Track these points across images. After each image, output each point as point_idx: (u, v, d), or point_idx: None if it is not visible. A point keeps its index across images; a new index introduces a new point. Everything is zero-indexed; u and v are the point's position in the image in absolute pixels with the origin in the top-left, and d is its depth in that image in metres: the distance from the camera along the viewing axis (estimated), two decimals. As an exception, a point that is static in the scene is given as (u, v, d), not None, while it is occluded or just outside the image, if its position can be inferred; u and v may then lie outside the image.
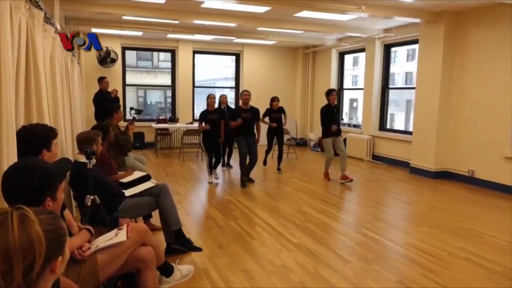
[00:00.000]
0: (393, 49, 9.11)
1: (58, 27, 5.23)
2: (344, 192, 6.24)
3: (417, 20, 7.12)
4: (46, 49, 2.99)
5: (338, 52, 10.52)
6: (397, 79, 18.35)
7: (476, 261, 3.61)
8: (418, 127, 7.44)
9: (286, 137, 9.30)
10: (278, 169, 7.66)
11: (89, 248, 2.14)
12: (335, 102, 6.77)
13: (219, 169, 7.61)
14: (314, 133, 11.18)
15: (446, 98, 7.00)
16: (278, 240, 4.08)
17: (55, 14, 5.00)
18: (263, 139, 7.20)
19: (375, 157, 8.92)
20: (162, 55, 11.69)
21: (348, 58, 11.07)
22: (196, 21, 7.57)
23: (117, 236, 2.25)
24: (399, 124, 13.46)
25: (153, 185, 3.62)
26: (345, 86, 10.82)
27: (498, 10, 6.17)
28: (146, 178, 3.78)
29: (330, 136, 6.69)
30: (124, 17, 7.72)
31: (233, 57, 11.43)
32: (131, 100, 16.14)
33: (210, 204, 5.52)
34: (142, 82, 19.39)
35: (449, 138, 7.05)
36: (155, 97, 18.21)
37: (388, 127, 9.23)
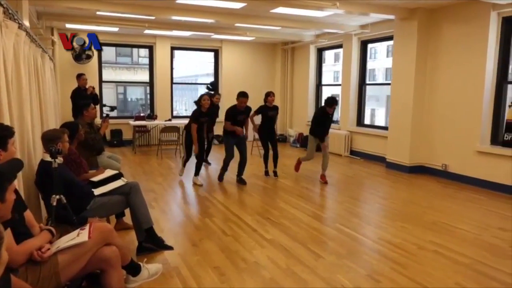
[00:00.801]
0: (373, 45, 9.20)
1: (27, 23, 5.10)
2: (321, 188, 6.27)
3: (392, 17, 7.19)
4: (8, 46, 2.90)
5: (316, 48, 10.56)
6: (378, 75, 18.53)
7: (445, 254, 3.69)
8: (394, 123, 7.54)
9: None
10: (275, 172, 6.92)
11: (49, 249, 2.09)
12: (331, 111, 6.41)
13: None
14: (294, 129, 11.22)
15: (420, 93, 7.11)
16: (252, 237, 4.08)
17: (23, 9, 4.86)
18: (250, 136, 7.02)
19: (353, 153, 9.01)
20: (143, 51, 11.50)
21: (329, 54, 11.14)
22: (172, 17, 7.48)
23: (78, 236, 2.21)
24: (380, 119, 13.65)
25: (123, 183, 3.58)
26: (326, 82, 10.87)
27: (470, 7, 6.28)
28: (117, 177, 3.72)
29: (317, 136, 6.49)
30: (98, 13, 7.58)
31: (212, 53, 11.34)
32: (111, 97, 15.84)
33: (186, 201, 5.49)
34: (122, 78, 19.12)
35: (423, 133, 7.17)
36: (135, 94, 17.95)
37: (369, 122, 9.34)
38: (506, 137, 5.90)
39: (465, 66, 6.41)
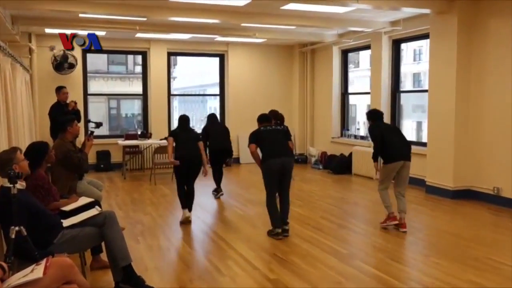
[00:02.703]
0: (418, 44, 9.12)
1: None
2: (342, 218, 6.30)
3: (427, 11, 7.27)
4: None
5: (340, 50, 10.69)
6: (424, 80, 18.47)
7: (485, 297, 3.67)
8: (433, 138, 7.54)
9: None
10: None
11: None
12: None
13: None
14: (316, 148, 11.27)
15: (463, 102, 7.10)
16: (252, 276, 4.14)
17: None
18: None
19: (387, 175, 8.97)
20: (139, 58, 11.85)
21: (364, 56, 11.14)
22: (168, 18, 7.74)
23: (32, 272, 2.33)
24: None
25: (97, 212, 3.70)
26: (361, 89, 10.87)
27: (519, -3, 6.31)
28: (90, 205, 3.85)
29: (396, 159, 5.73)
30: (81, 15, 7.91)
31: (217, 59, 11.60)
32: (101, 112, 16.15)
33: (179, 235, 5.59)
34: (115, 90, 19.44)
35: (470, 150, 7.12)
36: (131, 108, 18.23)
37: (414, 139, 9.30)
38: None
39: (518, 67, 6.39)
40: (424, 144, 8.09)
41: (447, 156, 7.23)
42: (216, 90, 11.94)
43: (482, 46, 6.90)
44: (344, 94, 10.81)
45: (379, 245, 5.11)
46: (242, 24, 8.75)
